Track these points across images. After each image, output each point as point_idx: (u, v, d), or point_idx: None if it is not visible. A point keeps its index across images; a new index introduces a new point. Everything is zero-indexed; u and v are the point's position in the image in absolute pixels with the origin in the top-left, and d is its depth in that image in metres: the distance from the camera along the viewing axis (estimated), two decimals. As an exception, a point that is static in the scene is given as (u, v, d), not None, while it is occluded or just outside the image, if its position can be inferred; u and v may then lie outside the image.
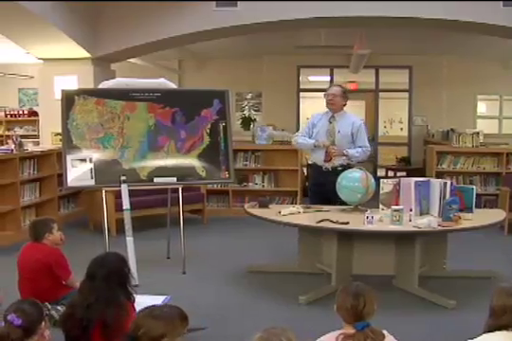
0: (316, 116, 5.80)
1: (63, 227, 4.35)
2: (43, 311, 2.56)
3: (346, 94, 5.67)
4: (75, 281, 4.00)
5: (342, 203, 5.20)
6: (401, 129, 14.95)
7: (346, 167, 5.50)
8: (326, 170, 5.55)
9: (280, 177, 8.52)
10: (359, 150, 5.56)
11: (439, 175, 7.74)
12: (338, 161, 5.53)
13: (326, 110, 5.70)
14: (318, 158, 5.63)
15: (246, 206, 5.48)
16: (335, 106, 5.60)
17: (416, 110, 12.80)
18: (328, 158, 5.55)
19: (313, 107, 10.21)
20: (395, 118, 16.24)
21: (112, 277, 3.11)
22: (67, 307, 3.21)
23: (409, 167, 12.53)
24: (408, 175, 11.42)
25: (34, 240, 4.22)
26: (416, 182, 4.84)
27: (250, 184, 8.58)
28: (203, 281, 5.21)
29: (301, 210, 5.01)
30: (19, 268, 4.18)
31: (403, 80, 12.87)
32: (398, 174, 12.41)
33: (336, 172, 5.43)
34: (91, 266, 3.18)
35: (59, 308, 3.90)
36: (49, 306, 3.90)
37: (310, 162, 5.82)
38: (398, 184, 4.94)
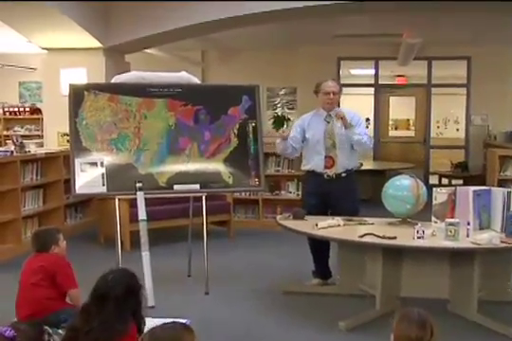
0: (304, 118, 5.72)
1: (69, 240, 4.40)
2: (43, 332, 2.60)
3: (341, 87, 5.71)
4: (78, 296, 4.07)
5: (349, 214, 5.27)
6: (457, 130, 14.86)
7: (350, 172, 5.55)
8: (328, 177, 5.52)
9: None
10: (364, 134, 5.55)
11: (502, 183, 7.67)
12: (341, 167, 5.50)
13: (314, 110, 5.70)
14: (317, 165, 5.56)
15: (278, 217, 5.50)
16: (334, 105, 5.60)
17: (475, 108, 12.69)
18: (329, 164, 5.51)
19: (355, 104, 10.19)
20: (451, 117, 16.15)
21: (128, 298, 3.14)
22: (68, 330, 3.23)
23: (466, 173, 12.43)
24: (465, 183, 11.33)
25: (38, 251, 4.28)
26: (475, 191, 4.81)
27: (283, 192, 8.61)
28: (229, 303, 5.24)
29: (342, 223, 5.01)
30: (20, 280, 4.22)
31: (460, 73, 12.79)
32: (454, 182, 12.33)
33: (340, 180, 5.49)
34: (101, 285, 3.18)
35: (60, 331, 3.95)
36: (50, 330, 3.96)
37: (307, 169, 5.69)
38: (454, 193, 4.92)
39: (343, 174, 5.51)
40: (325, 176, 5.52)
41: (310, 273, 5.78)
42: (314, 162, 5.58)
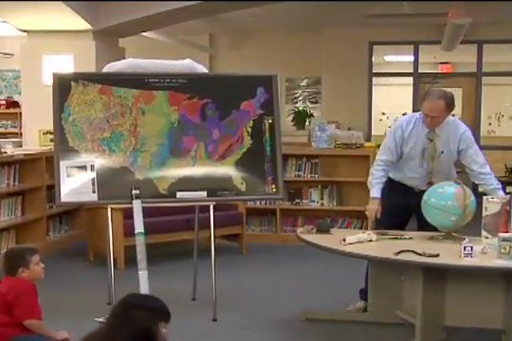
0: (404, 124, 5.47)
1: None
2: None
3: (453, 104, 5.33)
4: (38, 327, 4.13)
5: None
6: (513, 127, 14.86)
7: None
8: (418, 190, 5.48)
9: (345, 192, 8.56)
10: (492, 177, 5.76)
11: None
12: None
13: (416, 116, 5.49)
14: (412, 181, 5.54)
15: (298, 230, 5.52)
16: (437, 125, 5.38)
17: (535, 101, 12.71)
18: (427, 187, 5.39)
19: (390, 97, 10.22)
20: (505, 113, 16.10)
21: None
22: None
23: (523, 179, 12.43)
24: (522, 191, 11.32)
25: (7, 274, 4.34)
26: (534, 200, 4.82)
27: (305, 201, 8.62)
28: (240, 332, 5.27)
29: (374, 237, 5.02)
30: None
31: (516, 59, 12.81)
32: (508, 190, 12.28)
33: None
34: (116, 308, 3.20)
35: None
36: None
37: (395, 179, 5.64)
38: (509, 203, 4.92)
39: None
40: (415, 189, 5.50)
41: (338, 296, 5.79)
42: (406, 178, 5.57)
